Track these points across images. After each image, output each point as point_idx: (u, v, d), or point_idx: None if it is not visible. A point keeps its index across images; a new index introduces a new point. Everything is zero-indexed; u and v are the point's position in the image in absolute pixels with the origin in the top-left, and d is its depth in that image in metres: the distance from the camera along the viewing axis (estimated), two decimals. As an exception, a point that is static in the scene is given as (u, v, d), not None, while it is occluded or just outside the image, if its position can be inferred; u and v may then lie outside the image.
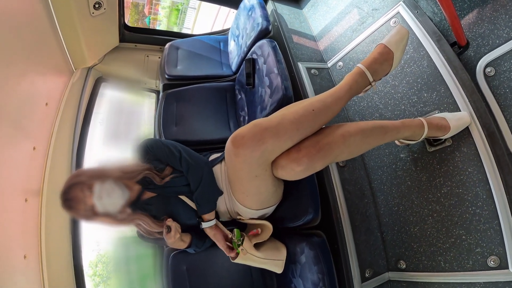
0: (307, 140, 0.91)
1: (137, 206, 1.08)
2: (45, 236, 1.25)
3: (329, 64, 1.55)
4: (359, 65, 0.99)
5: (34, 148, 1.29)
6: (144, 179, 1.10)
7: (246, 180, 0.96)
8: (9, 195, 1.14)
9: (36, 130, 1.32)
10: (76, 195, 0.98)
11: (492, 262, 0.97)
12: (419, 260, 1.16)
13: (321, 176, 1.26)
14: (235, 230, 1.10)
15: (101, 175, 1.03)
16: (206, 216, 1.11)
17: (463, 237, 1.04)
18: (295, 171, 0.89)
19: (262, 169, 0.92)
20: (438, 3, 1.00)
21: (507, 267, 0.94)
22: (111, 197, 1.00)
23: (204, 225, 1.11)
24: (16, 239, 1.15)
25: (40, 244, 1.24)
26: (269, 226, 1.15)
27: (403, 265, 1.20)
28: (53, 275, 1.24)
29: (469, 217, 1.03)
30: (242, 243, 1.10)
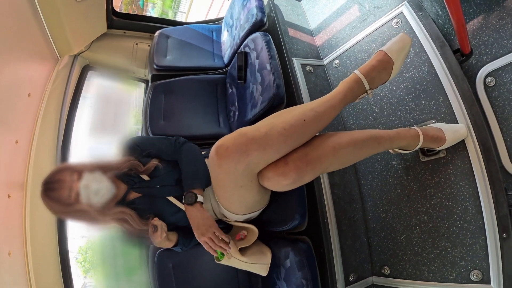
0: (295, 152, 0.86)
1: (122, 206, 1.05)
2: (30, 232, 1.24)
3: (325, 61, 1.48)
4: (356, 71, 0.93)
5: (16, 142, 1.25)
6: (129, 177, 1.08)
7: (231, 190, 0.94)
8: (-9, 192, 1.11)
9: (18, 123, 1.27)
10: (63, 178, 0.95)
11: (474, 276, 0.98)
12: (403, 268, 1.17)
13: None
14: None
15: (90, 166, 1.01)
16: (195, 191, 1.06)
17: (449, 249, 1.04)
18: (282, 184, 0.86)
19: (248, 180, 0.89)
20: (447, 7, 0.93)
21: (489, 282, 0.95)
22: (99, 188, 0.97)
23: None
24: (0, 236, 1.13)
25: (25, 240, 1.23)
26: (254, 230, 1.14)
27: (387, 271, 1.21)
28: (39, 271, 1.24)
29: (456, 230, 1.03)
30: None
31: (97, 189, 0.97)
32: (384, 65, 0.93)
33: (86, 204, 0.96)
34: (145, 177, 1.10)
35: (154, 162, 1.11)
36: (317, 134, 0.92)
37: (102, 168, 1.03)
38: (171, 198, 1.08)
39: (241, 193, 0.95)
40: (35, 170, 1.30)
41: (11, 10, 1.15)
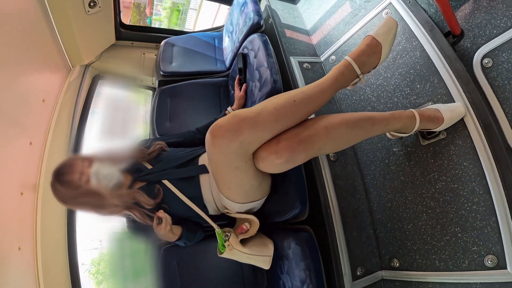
0: (288, 132, 0.88)
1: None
2: (41, 229, 1.27)
3: (322, 58, 1.52)
4: (346, 57, 0.95)
5: (30, 143, 1.32)
6: (134, 167, 1.12)
7: (227, 172, 0.95)
8: (4, 189, 1.16)
9: (32, 126, 1.35)
10: (75, 163, 1.00)
11: (489, 262, 0.92)
12: (413, 259, 1.11)
13: (311, 171, 1.23)
14: (217, 230, 1.10)
15: (100, 156, 1.07)
16: None
17: (459, 235, 0.99)
18: (275, 164, 0.87)
19: (242, 161, 0.90)
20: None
21: (505, 267, 0.89)
22: (108, 174, 1.01)
23: None
24: (11, 231, 1.17)
25: (35, 237, 1.26)
26: (255, 221, 1.13)
27: (396, 263, 1.15)
28: (48, 267, 1.26)
29: (465, 214, 0.98)
30: (228, 238, 1.09)
31: (106, 175, 1.01)
32: (373, 48, 0.95)
33: (96, 189, 0.99)
34: (149, 166, 1.13)
35: (158, 144, 1.16)
36: (313, 116, 0.94)
37: (111, 158, 1.08)
38: (167, 183, 1.10)
39: (237, 175, 0.95)
40: (48, 171, 1.35)
41: (27, 23, 1.28)
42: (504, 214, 0.90)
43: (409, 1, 1.18)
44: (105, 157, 1.07)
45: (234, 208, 1.11)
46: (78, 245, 1.46)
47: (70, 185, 0.98)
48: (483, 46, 1.09)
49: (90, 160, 1.03)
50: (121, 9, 1.85)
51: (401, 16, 1.19)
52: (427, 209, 1.08)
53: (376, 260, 1.21)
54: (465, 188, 0.99)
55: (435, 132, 1.06)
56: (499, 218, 0.90)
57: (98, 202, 1.01)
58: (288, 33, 1.51)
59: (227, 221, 1.27)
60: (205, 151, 1.17)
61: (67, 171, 0.99)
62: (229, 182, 0.99)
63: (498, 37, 1.05)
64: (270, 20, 1.54)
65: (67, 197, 1.02)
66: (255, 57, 1.37)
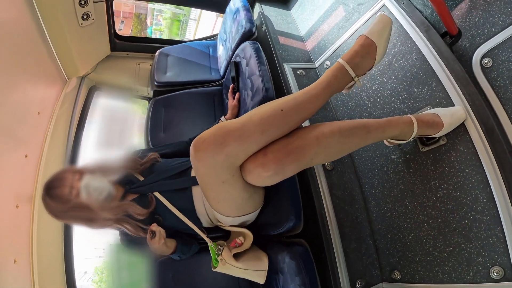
0: (276, 143, 0.84)
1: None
2: (37, 241, 1.27)
3: (317, 64, 1.49)
4: (339, 59, 0.91)
5: (26, 156, 1.33)
6: (126, 179, 1.10)
7: (214, 186, 0.91)
8: (0, 202, 1.17)
9: (28, 138, 1.36)
10: (65, 176, 0.98)
11: (495, 274, 0.86)
12: (415, 271, 1.05)
13: (307, 181, 1.19)
14: (210, 245, 1.07)
15: (91, 168, 1.05)
16: None
17: (462, 245, 0.93)
18: (262, 177, 0.83)
19: (229, 174, 0.86)
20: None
21: (512, 279, 0.83)
22: (98, 187, 0.99)
23: None
24: (6, 244, 1.16)
25: (31, 249, 1.26)
26: (249, 235, 1.10)
27: (398, 275, 1.10)
28: (44, 280, 1.25)
29: (469, 223, 0.93)
30: (221, 253, 1.06)
31: (97, 188, 0.99)
32: (367, 49, 0.91)
33: (86, 203, 0.97)
34: (141, 178, 1.11)
35: (152, 155, 1.15)
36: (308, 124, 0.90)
37: (103, 170, 1.06)
38: (158, 195, 1.08)
39: (225, 189, 0.92)
40: (44, 184, 1.36)
41: (21, 36, 1.29)
42: (510, 222, 0.84)
43: (403, 2, 1.14)
44: (97, 169, 1.06)
45: (226, 221, 1.07)
46: (81, 254, 1.45)
47: (60, 199, 0.96)
48: (482, 46, 1.04)
49: (80, 172, 1.01)
50: (122, 19, 1.87)
51: (396, 18, 1.15)
52: (428, 218, 1.03)
53: (377, 272, 1.16)
54: (468, 196, 0.93)
55: (434, 138, 1.01)
56: (504, 227, 0.85)
57: (88, 216, 0.99)
58: (282, 39, 1.49)
59: (222, 233, 1.24)
60: None
61: (57, 185, 0.97)
62: (218, 196, 0.96)
63: (497, 36, 1.00)
64: (264, 27, 1.53)
65: (57, 211, 1.00)
66: (247, 65, 1.35)
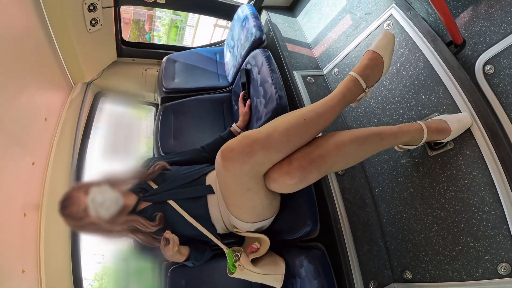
0: (299, 152, 0.88)
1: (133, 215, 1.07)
2: (44, 251, 1.25)
3: (325, 71, 1.54)
4: (351, 72, 0.97)
5: (33, 163, 1.30)
6: (139, 187, 1.11)
7: (238, 194, 0.93)
8: (7, 210, 1.14)
9: (35, 145, 1.33)
10: (72, 195, 1.00)
11: (503, 270, 0.91)
12: (426, 270, 1.10)
13: (320, 186, 1.22)
14: (227, 251, 1.09)
15: (98, 181, 1.05)
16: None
17: (471, 244, 0.99)
18: (287, 184, 0.86)
19: (254, 182, 0.89)
20: (430, 1, 0.98)
21: (519, 275, 0.88)
22: (104, 200, 0.99)
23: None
24: (14, 253, 1.14)
25: (39, 259, 1.23)
26: (266, 240, 1.11)
27: (409, 275, 1.14)
28: (52, 289, 1.23)
29: (476, 223, 0.98)
30: (239, 258, 1.07)
31: (103, 201, 0.99)
32: (375, 62, 0.97)
33: (95, 217, 0.98)
34: (154, 186, 1.12)
35: (159, 164, 1.15)
36: (320, 134, 0.94)
37: (110, 182, 1.06)
38: (172, 203, 1.08)
39: (249, 197, 0.94)
40: (51, 191, 1.34)
41: (29, 42, 1.27)
42: (515, 221, 0.90)
43: (410, 13, 1.20)
44: (103, 182, 1.06)
45: (244, 227, 1.09)
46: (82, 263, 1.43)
47: (72, 218, 1.00)
48: (484, 53, 1.10)
49: (86, 188, 1.02)
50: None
51: (403, 28, 1.20)
52: (437, 219, 1.08)
53: (388, 273, 1.20)
54: (475, 197, 0.99)
55: (442, 142, 1.06)
56: (510, 225, 0.90)
57: (102, 230, 1.02)
58: (290, 46, 1.53)
59: (235, 239, 1.25)
60: (211, 170, 1.16)
61: (68, 204, 0.99)
62: (240, 203, 0.98)
63: (498, 44, 1.07)
64: (271, 34, 1.56)
65: (73, 226, 1.04)
66: (258, 72, 1.38)
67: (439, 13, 1.00)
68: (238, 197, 0.95)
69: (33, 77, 1.33)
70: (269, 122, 0.92)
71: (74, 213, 0.98)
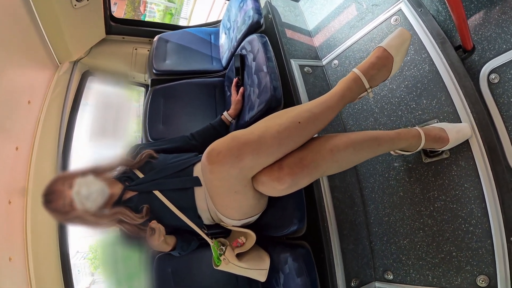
0: (291, 156, 0.83)
1: (118, 206, 1.06)
2: (31, 237, 1.25)
3: (324, 62, 1.46)
4: (354, 70, 0.89)
5: (16, 149, 1.26)
6: (125, 176, 1.09)
7: (225, 196, 0.91)
8: (-9, 199, 1.13)
9: (18, 130, 1.28)
10: (56, 189, 0.97)
11: (481, 282, 0.94)
12: (407, 273, 1.13)
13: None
14: (212, 245, 1.09)
15: (82, 171, 1.03)
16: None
17: (454, 253, 1.00)
18: (277, 190, 0.83)
19: (242, 185, 0.86)
20: (447, 3, 0.90)
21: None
22: (90, 192, 0.98)
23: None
24: (0, 242, 1.14)
25: (26, 246, 1.24)
26: (252, 235, 1.12)
27: (390, 275, 1.17)
28: (41, 276, 1.24)
29: (462, 234, 0.99)
30: (224, 252, 1.08)
31: (89, 194, 0.97)
32: (383, 62, 0.89)
33: (82, 210, 0.97)
34: (140, 174, 1.09)
35: (146, 152, 1.12)
36: (315, 136, 0.90)
37: (95, 171, 1.04)
38: (158, 193, 1.07)
39: (236, 199, 0.92)
40: (36, 176, 1.31)
41: (8, 19, 1.17)
42: (500, 237, 0.90)
43: (421, 10, 1.11)
44: (88, 171, 1.03)
45: (230, 223, 1.09)
46: (74, 236, 1.45)
47: (58, 212, 0.98)
48: (491, 61, 1.05)
49: (70, 179, 0.99)
50: (115, 1, 1.72)
51: (411, 25, 1.12)
52: (424, 226, 1.09)
53: (371, 272, 1.23)
54: (463, 209, 0.99)
55: (438, 151, 1.04)
56: (494, 241, 0.91)
57: (89, 223, 1.01)
58: (289, 33, 1.43)
59: (222, 229, 1.26)
60: (199, 160, 1.13)
61: (52, 198, 0.97)
62: (227, 203, 0.97)
63: (507, 53, 1.01)
64: (270, 16, 1.45)
65: (59, 219, 1.07)
66: (254, 59, 1.30)
67: (454, 16, 0.92)
68: (224, 198, 0.93)
69: (14, 57, 1.23)
70: (260, 121, 0.87)
71: (60, 208, 0.96)
